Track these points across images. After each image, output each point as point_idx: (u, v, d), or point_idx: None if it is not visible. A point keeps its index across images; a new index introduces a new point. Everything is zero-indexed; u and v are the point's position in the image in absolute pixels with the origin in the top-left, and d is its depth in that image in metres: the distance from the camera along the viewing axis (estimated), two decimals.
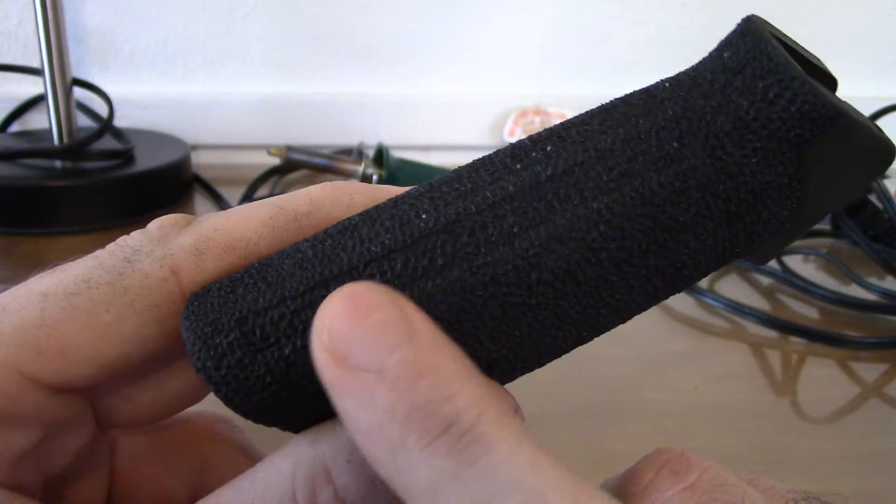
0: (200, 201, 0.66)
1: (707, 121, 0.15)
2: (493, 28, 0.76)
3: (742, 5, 0.76)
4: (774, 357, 0.44)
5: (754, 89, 0.15)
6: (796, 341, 0.45)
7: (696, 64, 0.16)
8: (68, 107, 0.62)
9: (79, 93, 0.65)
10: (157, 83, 0.75)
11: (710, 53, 0.16)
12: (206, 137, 0.75)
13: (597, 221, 0.15)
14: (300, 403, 0.15)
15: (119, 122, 0.66)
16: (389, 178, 0.58)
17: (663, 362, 0.42)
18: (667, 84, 0.16)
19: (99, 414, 0.17)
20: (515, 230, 0.15)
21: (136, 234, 0.17)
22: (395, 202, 0.16)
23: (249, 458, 0.21)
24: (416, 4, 0.74)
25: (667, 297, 0.17)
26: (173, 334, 0.16)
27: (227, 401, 0.15)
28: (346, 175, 0.59)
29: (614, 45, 0.78)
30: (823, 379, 0.42)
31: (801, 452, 0.35)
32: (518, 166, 0.15)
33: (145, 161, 0.62)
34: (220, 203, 0.64)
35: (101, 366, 0.15)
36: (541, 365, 0.17)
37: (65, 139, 0.62)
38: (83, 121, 0.68)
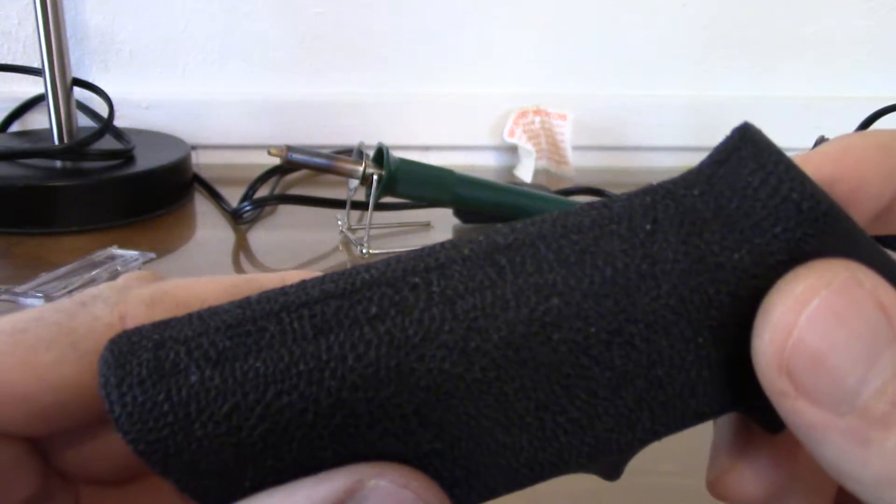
0: (200, 201, 0.66)
1: (686, 207, 0.14)
2: (494, 28, 0.76)
3: (742, 6, 0.76)
4: None
5: (738, 177, 0.13)
6: None
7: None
8: (68, 107, 0.62)
9: (79, 93, 0.65)
10: (157, 83, 0.75)
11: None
12: (206, 137, 0.75)
13: (549, 293, 0.13)
14: (195, 452, 0.13)
15: (119, 122, 0.66)
16: (389, 178, 0.58)
17: None
18: (654, 182, 0.15)
19: (57, 465, 0.17)
20: (460, 290, 0.13)
21: (103, 285, 0.17)
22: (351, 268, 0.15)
23: None
24: (416, 5, 0.74)
25: (646, 439, 0.14)
26: None
27: (119, 425, 0.13)
28: (347, 175, 0.59)
29: (614, 45, 0.78)
30: None
31: None
32: (481, 238, 0.14)
33: (145, 161, 0.62)
34: (220, 203, 0.64)
35: (37, 409, 0.15)
36: (491, 494, 0.14)
37: (65, 139, 0.62)
38: (83, 121, 0.68)
